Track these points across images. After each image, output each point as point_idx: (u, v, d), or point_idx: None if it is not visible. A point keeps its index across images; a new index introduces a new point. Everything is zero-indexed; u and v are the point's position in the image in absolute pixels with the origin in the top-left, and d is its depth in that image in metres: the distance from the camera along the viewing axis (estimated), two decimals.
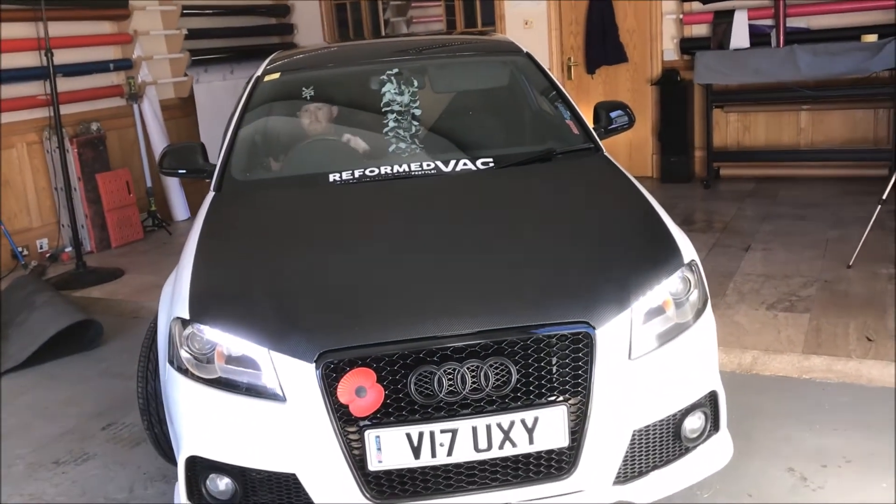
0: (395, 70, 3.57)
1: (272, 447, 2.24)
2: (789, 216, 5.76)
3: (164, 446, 2.89)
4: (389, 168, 3.15)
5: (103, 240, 6.47)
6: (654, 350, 2.32)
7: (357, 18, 8.56)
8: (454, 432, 2.17)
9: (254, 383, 2.27)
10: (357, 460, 2.19)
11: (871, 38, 6.23)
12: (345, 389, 2.16)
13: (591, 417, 2.21)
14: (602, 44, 7.28)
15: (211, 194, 3.19)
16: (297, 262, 2.60)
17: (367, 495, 2.20)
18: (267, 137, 3.61)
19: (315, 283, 2.49)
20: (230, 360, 2.32)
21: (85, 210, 6.32)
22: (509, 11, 7.56)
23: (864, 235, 4.56)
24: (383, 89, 3.53)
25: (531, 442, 2.18)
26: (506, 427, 2.17)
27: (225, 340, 2.32)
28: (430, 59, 3.85)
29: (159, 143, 6.90)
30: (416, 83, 3.55)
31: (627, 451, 2.29)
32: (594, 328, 2.23)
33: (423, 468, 2.19)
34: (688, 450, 2.42)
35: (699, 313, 2.46)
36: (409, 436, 2.17)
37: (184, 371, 2.37)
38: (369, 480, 2.20)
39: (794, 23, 6.55)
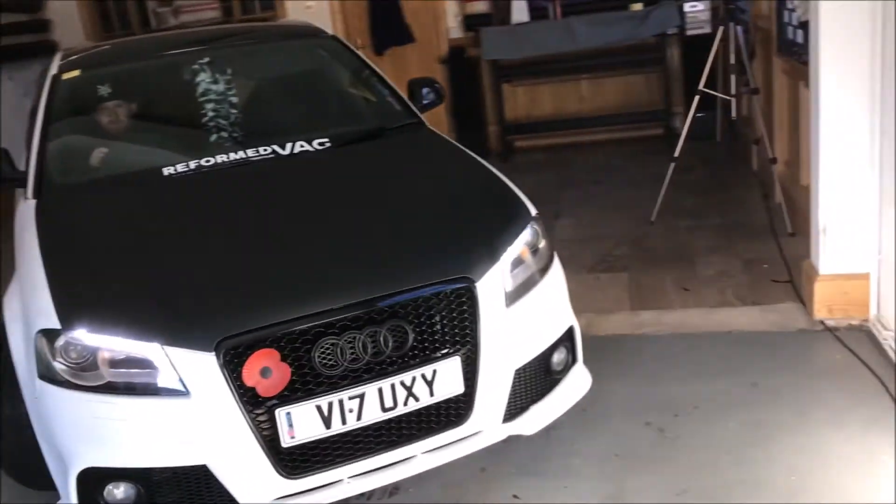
0: (208, 59, 3.45)
1: (178, 443, 2.23)
2: (587, 181, 6.05)
3: (29, 476, 2.67)
4: (226, 156, 3.12)
5: None
6: (523, 296, 2.56)
7: (121, 10, 7.92)
8: (362, 397, 2.28)
9: (150, 382, 2.24)
10: (268, 440, 2.24)
11: (638, 6, 6.63)
12: (250, 372, 2.20)
13: (481, 364, 2.42)
14: (387, 25, 7.24)
15: (30, 202, 2.97)
16: (167, 258, 2.56)
17: (282, 473, 2.27)
18: (82, 138, 3.42)
19: (194, 275, 2.47)
20: (117, 363, 2.27)
21: None
22: None
23: (662, 192, 4.86)
24: (198, 79, 3.41)
25: (432, 394, 2.36)
26: (408, 384, 2.33)
27: (109, 343, 2.26)
28: (240, 47, 3.77)
29: None
30: (230, 71, 3.44)
31: (511, 391, 2.52)
32: (474, 282, 2.42)
33: (333, 437, 2.29)
34: (556, 382, 2.71)
35: (550, 258, 2.78)
36: (319, 408, 2.25)
37: (62, 383, 2.27)
38: (282, 458, 2.26)
39: None
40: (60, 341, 2.29)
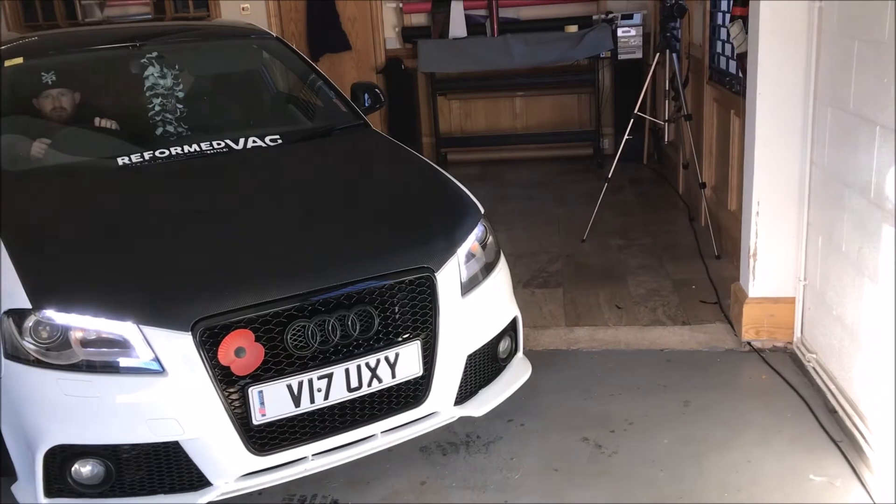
0: (156, 53, 3.47)
1: (150, 420, 2.28)
2: (519, 197, 6.13)
3: None
4: (179, 149, 3.18)
5: None
6: (476, 287, 2.74)
7: (45, 1, 7.61)
8: (330, 377, 2.40)
9: (125, 360, 2.29)
10: (240, 418, 2.33)
11: (573, 28, 6.78)
12: (225, 352, 2.29)
13: (439, 348, 2.58)
14: (323, 31, 7.19)
15: None
16: (137, 242, 2.61)
17: (251, 450, 2.36)
18: (28, 125, 3.39)
19: (166, 258, 2.53)
20: (89, 342, 2.32)
21: None
22: None
23: (595, 211, 4.97)
24: (146, 73, 3.44)
25: (393, 376, 2.51)
26: (373, 365, 2.46)
27: (83, 323, 2.31)
28: (185, 43, 3.78)
29: None
30: (177, 66, 3.47)
31: (463, 375, 2.69)
32: (434, 272, 2.59)
33: (302, 415, 2.40)
34: (502, 369, 2.92)
35: (498, 254, 2.97)
36: (289, 387, 2.36)
37: (31, 362, 2.30)
38: (252, 435, 2.36)
39: (506, 13, 6.94)
40: (30, 321, 2.32)
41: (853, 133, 2.74)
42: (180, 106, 3.49)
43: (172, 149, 3.19)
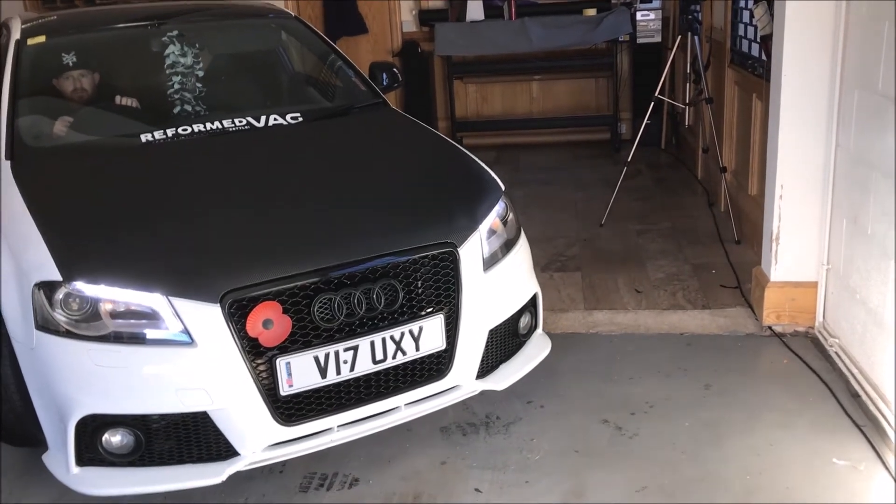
0: (176, 32, 3.48)
1: (180, 390, 2.32)
2: (536, 181, 6.10)
3: (7, 423, 2.66)
4: (202, 126, 3.21)
5: None
6: (497, 263, 2.78)
7: None
8: (355, 349, 2.45)
9: (154, 331, 2.33)
10: (267, 389, 2.37)
11: (591, 12, 6.73)
12: (253, 323, 2.33)
13: (461, 322, 2.62)
14: (340, 14, 7.15)
15: (4, 163, 2.97)
16: (165, 216, 2.64)
17: (278, 420, 2.41)
18: (50, 103, 3.41)
19: (194, 231, 2.57)
20: (119, 314, 2.35)
21: None
22: None
23: (613, 196, 4.94)
24: (166, 51, 3.46)
25: (417, 349, 2.55)
26: (397, 338, 2.51)
27: (112, 294, 2.34)
28: (206, 22, 3.79)
29: None
30: (197, 45, 3.49)
31: (485, 349, 2.73)
32: (457, 247, 2.63)
33: (328, 386, 2.45)
34: (522, 344, 2.96)
35: (518, 230, 3.01)
36: (316, 358, 2.41)
37: (63, 333, 2.33)
38: (279, 406, 2.40)
39: None
40: (60, 293, 2.35)
41: (881, 114, 2.71)
42: (199, 85, 3.52)
43: (195, 126, 3.22)
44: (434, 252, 2.59)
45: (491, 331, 2.75)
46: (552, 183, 6.03)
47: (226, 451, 2.42)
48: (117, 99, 3.48)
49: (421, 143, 3.36)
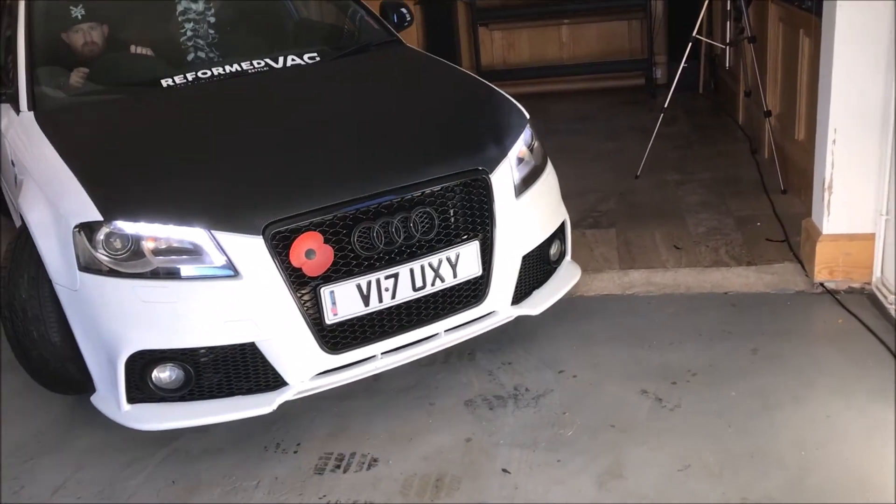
0: None
1: (227, 322, 2.34)
2: (565, 131, 5.80)
3: (48, 369, 2.69)
4: (221, 69, 3.21)
5: None
6: (527, 190, 2.80)
7: None
8: (396, 276, 2.48)
9: (199, 265, 2.35)
10: (313, 318, 2.41)
11: None
12: (296, 254, 2.36)
13: (496, 248, 2.65)
14: None
15: (26, 114, 2.98)
16: (198, 154, 2.67)
17: (325, 349, 2.44)
18: (66, 56, 3.40)
19: (231, 167, 2.58)
20: (162, 250, 2.37)
21: None
22: None
23: (650, 145, 4.64)
24: None
25: (455, 276, 2.59)
26: (435, 265, 2.54)
27: (154, 231, 2.37)
28: None
29: None
30: None
31: (519, 275, 2.77)
32: (489, 173, 2.65)
33: (371, 314, 2.48)
34: (553, 271, 3.01)
35: (544, 158, 3.03)
36: (359, 286, 2.44)
37: (107, 272, 2.36)
38: (325, 335, 2.44)
39: None
40: (101, 234, 2.37)
41: None
42: (212, 31, 3.51)
43: (214, 69, 3.22)
44: (467, 179, 2.61)
45: (524, 257, 2.78)
46: (584, 133, 5.73)
47: (274, 381, 2.46)
48: (132, 48, 3.47)
49: (442, 77, 3.36)
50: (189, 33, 3.49)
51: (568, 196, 4.42)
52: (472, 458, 2.48)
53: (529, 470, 2.41)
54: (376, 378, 2.90)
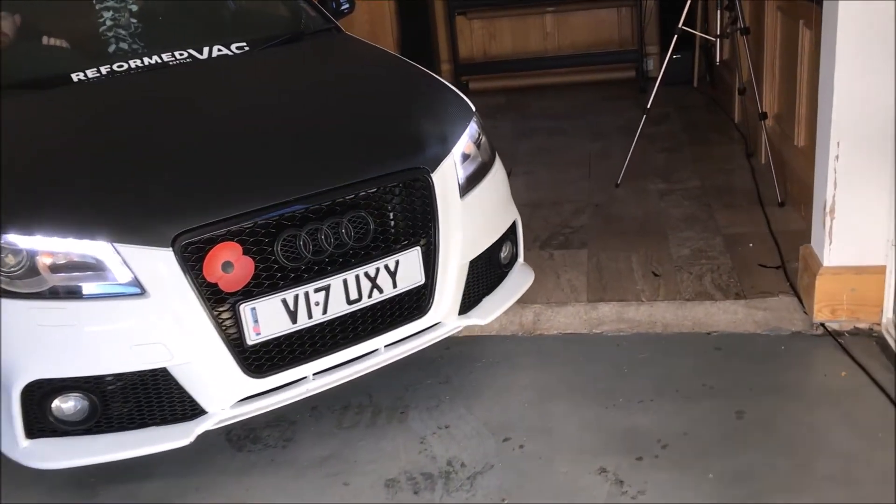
0: None
1: (134, 346, 2.13)
2: (546, 130, 5.30)
3: None
4: (139, 61, 2.95)
5: None
6: (474, 188, 2.59)
7: None
8: (327, 289, 2.26)
9: (101, 283, 2.14)
10: (232, 339, 2.18)
11: None
12: (211, 267, 2.13)
13: (440, 254, 2.44)
14: None
15: None
16: (104, 158, 2.42)
17: (248, 372, 2.21)
18: None
19: (139, 171, 2.34)
20: (60, 266, 2.13)
21: None
22: None
23: (631, 151, 4.14)
24: None
25: (395, 286, 2.36)
26: (372, 275, 2.32)
27: (51, 245, 2.13)
28: None
29: None
30: None
31: (466, 282, 2.54)
32: (430, 172, 2.43)
33: (299, 332, 2.25)
34: (504, 275, 2.77)
35: (492, 154, 2.79)
36: (284, 301, 2.21)
37: (1, 292, 2.10)
38: (247, 356, 2.21)
39: None
40: None
41: None
42: (134, 21, 3.20)
43: (131, 62, 2.95)
44: (406, 179, 2.39)
45: (472, 262, 2.56)
46: (566, 132, 5.22)
47: (192, 409, 2.23)
48: (44, 40, 3.13)
49: (381, 67, 3.12)
50: (109, 23, 3.17)
51: (539, 206, 4.00)
52: None
53: None
54: (285, 445, 2.44)
